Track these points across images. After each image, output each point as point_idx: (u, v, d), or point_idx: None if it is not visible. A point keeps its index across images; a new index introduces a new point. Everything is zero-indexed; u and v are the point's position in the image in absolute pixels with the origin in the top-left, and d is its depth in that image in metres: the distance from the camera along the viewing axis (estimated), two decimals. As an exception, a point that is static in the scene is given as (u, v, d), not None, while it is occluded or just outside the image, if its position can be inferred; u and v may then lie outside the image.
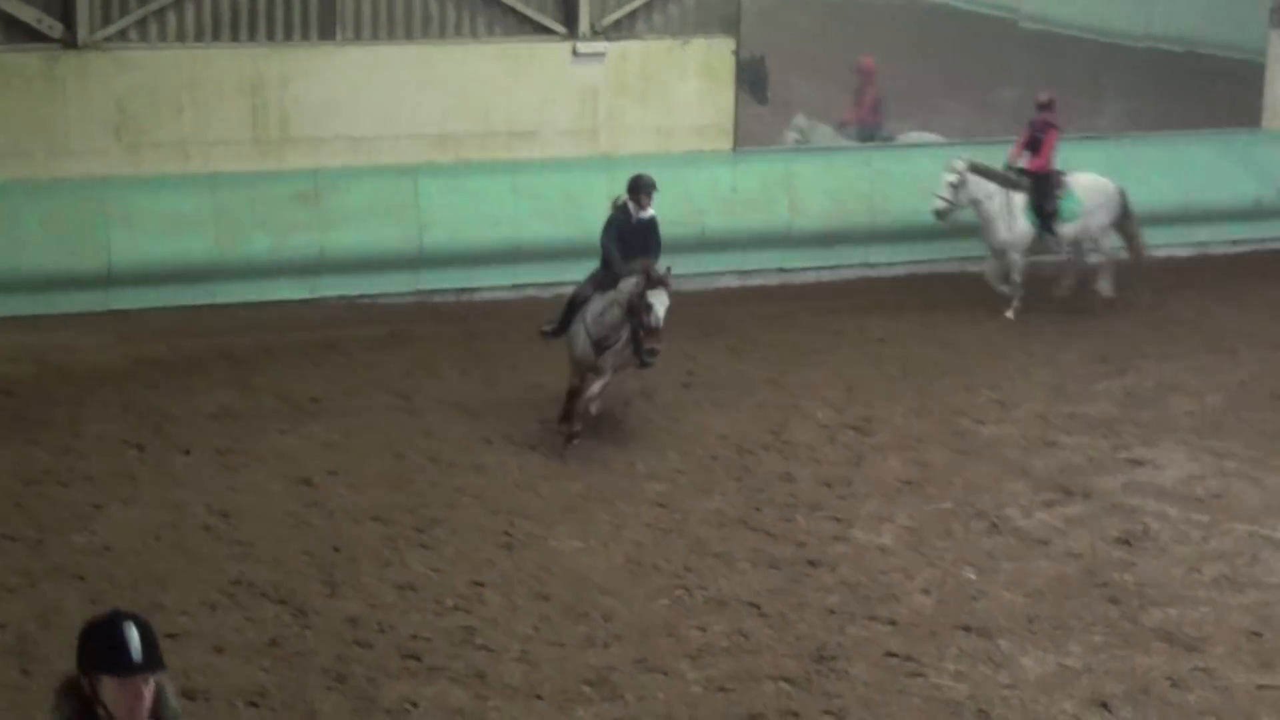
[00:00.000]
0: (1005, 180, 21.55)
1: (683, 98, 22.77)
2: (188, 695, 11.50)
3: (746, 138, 23.15)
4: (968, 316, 21.59)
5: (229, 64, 20.78)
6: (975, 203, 21.45)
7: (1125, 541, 14.77)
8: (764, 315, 21.19)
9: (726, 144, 23.07)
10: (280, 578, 13.52)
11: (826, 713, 11.63)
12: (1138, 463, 16.68)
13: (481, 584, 13.54)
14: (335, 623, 12.78)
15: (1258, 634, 13.04)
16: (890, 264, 23.23)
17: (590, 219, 21.54)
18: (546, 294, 21.71)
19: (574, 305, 16.77)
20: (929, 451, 16.87)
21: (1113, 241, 22.32)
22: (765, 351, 19.94)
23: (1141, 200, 24.74)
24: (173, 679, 11.54)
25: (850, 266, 23.07)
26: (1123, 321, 21.72)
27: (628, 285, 16.15)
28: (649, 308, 15.95)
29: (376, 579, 13.58)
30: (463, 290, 21.81)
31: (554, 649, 12.48)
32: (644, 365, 16.61)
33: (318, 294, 21.16)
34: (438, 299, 21.61)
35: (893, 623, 13.07)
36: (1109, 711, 11.76)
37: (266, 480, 15.62)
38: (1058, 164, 21.81)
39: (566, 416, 16.70)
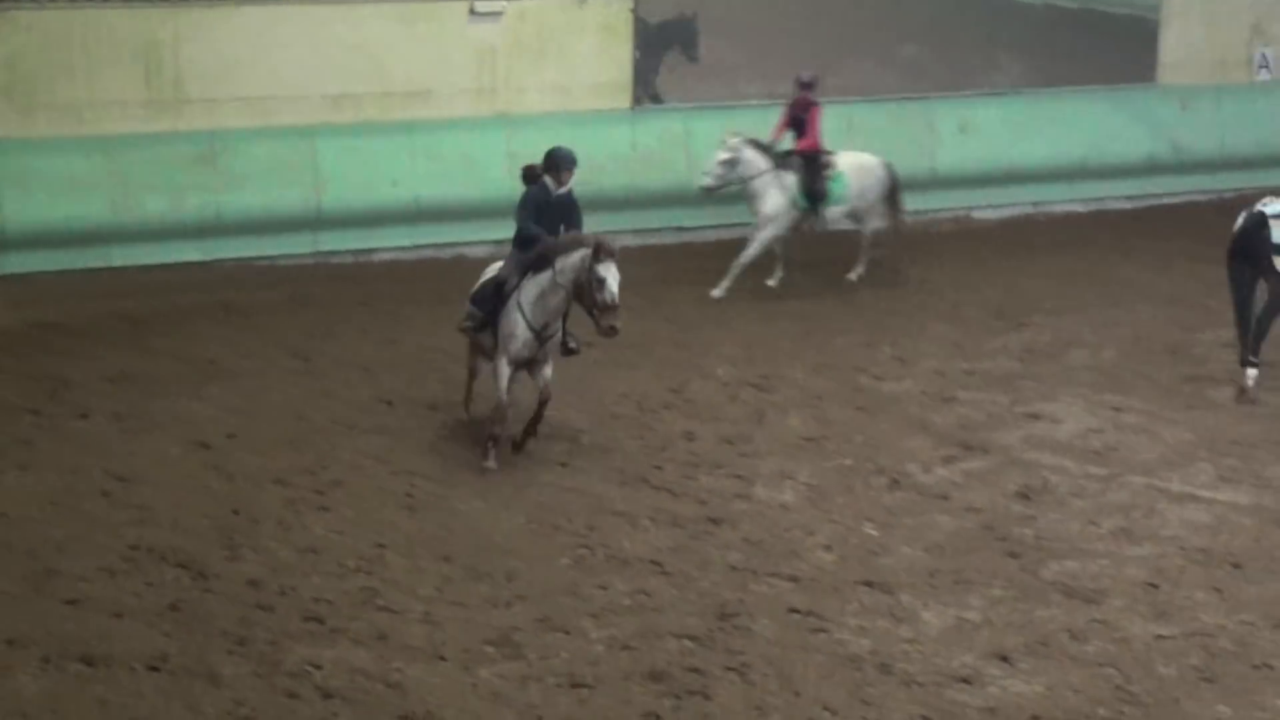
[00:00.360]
0: (778, 159, 20.93)
1: (581, 56, 22.72)
2: (87, 661, 11.44)
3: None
4: (867, 273, 21.63)
5: (122, 24, 20.56)
6: (745, 180, 20.87)
7: (1024, 495, 14.87)
8: (663, 273, 21.18)
9: (625, 102, 23.05)
10: (180, 542, 13.42)
11: (729, 669, 11.66)
12: (1036, 417, 16.79)
13: (383, 546, 13.49)
14: (236, 586, 12.71)
15: (1154, 585, 13.16)
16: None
17: (489, 179, 21.56)
18: (445, 254, 21.69)
19: (497, 293, 15.27)
20: (829, 408, 16.93)
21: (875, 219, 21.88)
22: (665, 310, 19.95)
23: (1039, 156, 25.00)
24: (71, 645, 11.51)
25: (750, 225, 23.06)
26: (1020, 278, 21.84)
27: (570, 262, 14.81)
28: (601, 283, 14.62)
29: (277, 542, 13.51)
30: (361, 251, 21.72)
31: (456, 609, 12.46)
32: (570, 352, 15.60)
33: (215, 256, 21.00)
34: (336, 260, 21.51)
35: (795, 579, 13.12)
36: (1009, 664, 11.85)
37: (165, 444, 15.50)
38: (825, 142, 21.23)
39: (530, 430, 15.38)
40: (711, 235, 22.97)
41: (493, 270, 15.73)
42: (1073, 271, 22.23)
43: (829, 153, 21.13)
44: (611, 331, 14.80)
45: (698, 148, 22.72)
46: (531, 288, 15.05)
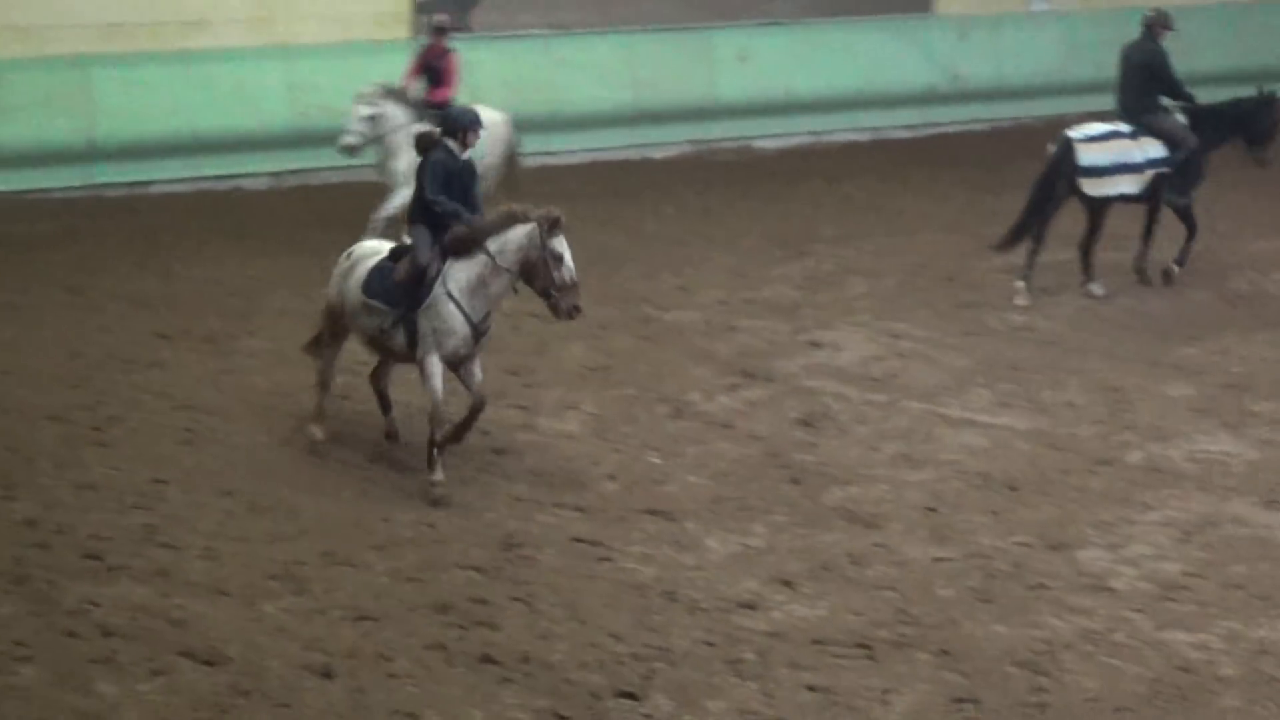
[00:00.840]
0: (418, 110, 19.08)
1: (359, -15, 22.52)
2: None
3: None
4: (650, 203, 21.69)
5: (-116, -49, 20.07)
6: (385, 135, 19.03)
7: (806, 423, 15.00)
8: (445, 205, 21.05)
9: (404, 32, 22.83)
10: (-47, 481, 13.17)
11: (515, 599, 11.66)
12: (817, 345, 16.93)
13: (163, 481, 13.30)
14: (12, 525, 12.46)
15: (933, 509, 13.35)
16: (571, 152, 23.24)
17: (267, 110, 21.32)
18: (223, 186, 21.40)
19: (419, 283, 13.38)
20: (612, 338, 16.95)
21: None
22: (447, 241, 19.79)
23: (818, 86, 25.14)
24: None
25: (531, 155, 23.02)
26: (801, 207, 22.01)
27: (510, 241, 13.23)
28: (559, 259, 13.16)
29: (54, 480, 13.27)
30: (137, 184, 21.39)
31: (239, 544, 12.32)
32: (479, 336, 13.53)
33: (-15, 189, 20.60)
34: (111, 193, 21.17)
35: (579, 509, 13.13)
36: (791, 588, 11.96)
37: (-64, 381, 15.21)
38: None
39: (456, 437, 13.53)
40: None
41: (370, 253, 13.91)
42: (852, 200, 22.44)
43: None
44: (576, 312, 13.44)
45: (478, 79, 22.60)
46: (462, 274, 13.33)
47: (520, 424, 14.76)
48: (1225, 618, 11.69)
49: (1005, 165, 24.08)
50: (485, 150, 19.09)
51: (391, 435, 14.27)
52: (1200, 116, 18.64)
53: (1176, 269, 18.91)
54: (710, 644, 11.19)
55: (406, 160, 18.26)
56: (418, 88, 19.49)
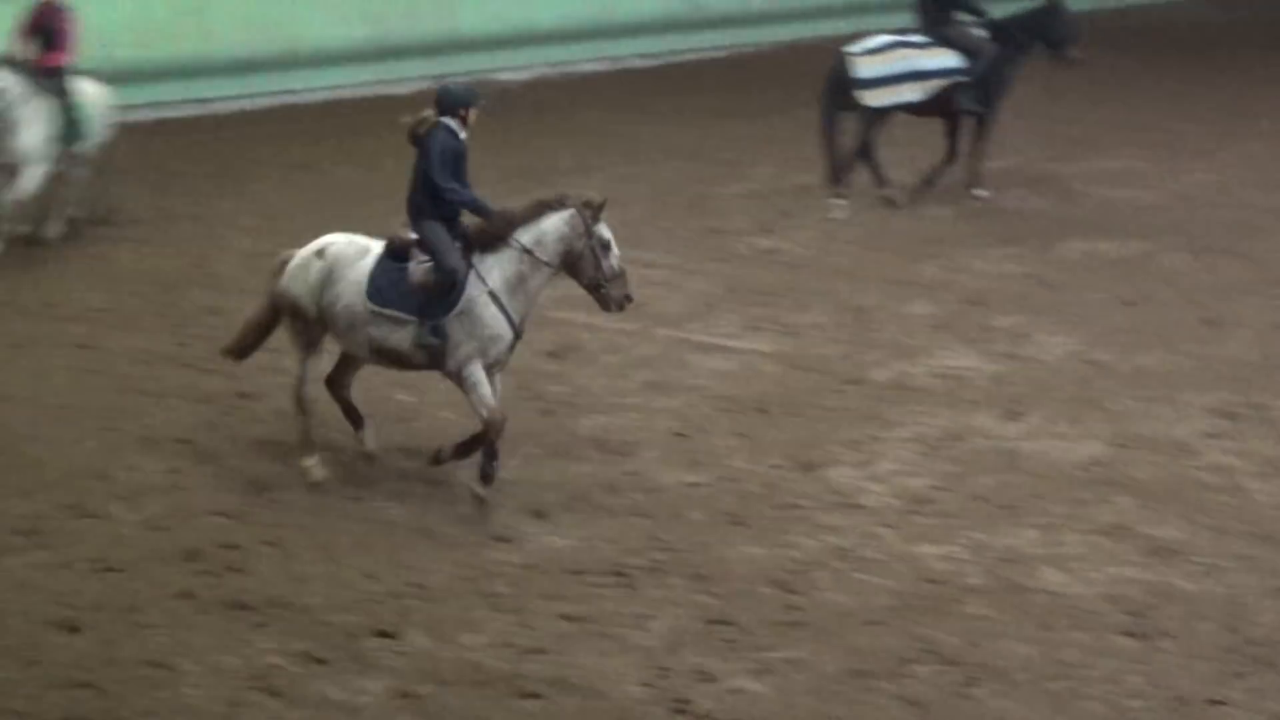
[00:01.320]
0: (36, 79, 17.00)
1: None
2: None
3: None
4: (390, 140, 21.35)
5: None
6: (3, 109, 16.76)
7: (555, 354, 14.99)
8: (180, 147, 20.72)
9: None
10: None
11: (266, 543, 11.54)
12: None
13: (-104, 440, 13.00)
14: None
15: (684, 435, 13.43)
16: (310, 90, 22.95)
17: None
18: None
19: (451, 289, 12.08)
20: (357, 276, 16.77)
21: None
22: (184, 183, 19.51)
23: (559, 16, 25.09)
24: None
25: (269, 94, 22.75)
26: (541, 139, 21.95)
27: (549, 232, 12.09)
28: (606, 246, 12.09)
29: None
30: None
31: (-22, 501, 12.08)
32: (517, 339, 12.43)
33: None
34: None
35: (328, 449, 12.98)
36: (545, 519, 11.97)
37: None
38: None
39: (490, 451, 12.15)
40: (232, 105, 22.59)
41: (352, 252, 12.75)
42: (593, 131, 22.44)
43: (71, 77, 17.41)
44: (628, 301, 12.32)
45: (213, 17, 22.30)
46: (497, 272, 12.15)
47: (265, 366, 14.48)
48: (971, 529, 11.92)
49: (745, 91, 24.28)
50: (101, 121, 17.77)
51: (368, 454, 12.79)
52: (999, 28, 19.06)
53: (982, 193, 19.37)
54: (465, 579, 11.18)
55: (31, 136, 16.92)
56: (31, 51, 17.24)
